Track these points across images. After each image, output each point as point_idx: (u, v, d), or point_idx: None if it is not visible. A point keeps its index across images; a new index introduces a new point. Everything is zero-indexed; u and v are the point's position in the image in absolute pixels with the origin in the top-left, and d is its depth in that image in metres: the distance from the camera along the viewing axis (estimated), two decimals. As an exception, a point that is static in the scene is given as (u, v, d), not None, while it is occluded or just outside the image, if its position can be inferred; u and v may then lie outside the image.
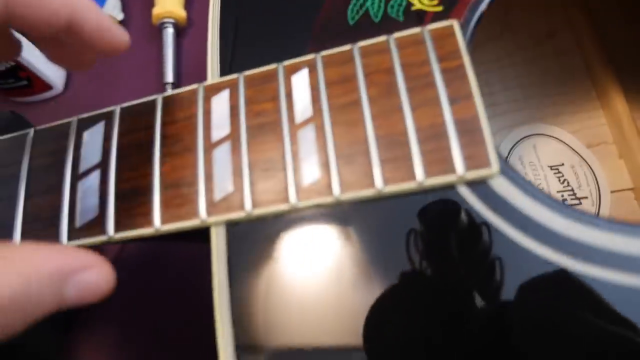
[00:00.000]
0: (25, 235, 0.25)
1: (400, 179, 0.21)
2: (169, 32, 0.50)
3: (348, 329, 0.21)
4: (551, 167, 0.35)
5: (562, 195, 0.35)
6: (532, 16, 0.39)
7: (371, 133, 0.22)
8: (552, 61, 0.38)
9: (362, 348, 0.20)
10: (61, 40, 0.23)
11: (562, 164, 0.35)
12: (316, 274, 0.22)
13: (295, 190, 0.22)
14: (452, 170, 0.21)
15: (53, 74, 0.51)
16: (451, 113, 0.22)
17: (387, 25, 0.25)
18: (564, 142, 0.36)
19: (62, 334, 0.40)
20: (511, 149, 0.35)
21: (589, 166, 0.35)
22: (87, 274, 0.18)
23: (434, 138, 0.22)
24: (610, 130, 0.36)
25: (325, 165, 0.22)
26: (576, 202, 0.34)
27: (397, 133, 0.22)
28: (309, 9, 0.26)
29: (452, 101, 0.22)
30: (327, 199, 0.22)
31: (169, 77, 0.48)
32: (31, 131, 0.28)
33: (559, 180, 0.35)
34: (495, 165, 0.21)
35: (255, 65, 0.26)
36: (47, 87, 0.51)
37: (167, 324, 0.39)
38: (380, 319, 0.21)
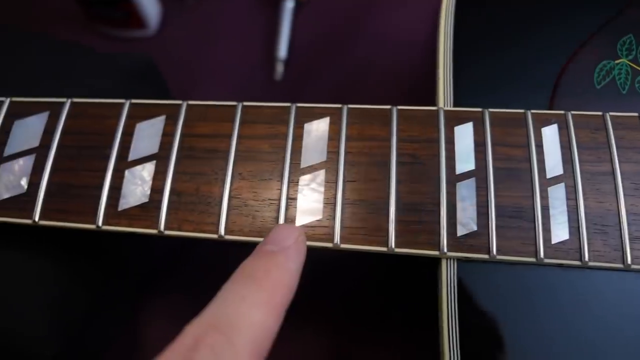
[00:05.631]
0: None
1: (653, 261, 0.22)
2: (289, 5, 0.47)
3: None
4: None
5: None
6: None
7: (624, 208, 0.23)
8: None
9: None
10: None
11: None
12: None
13: (544, 247, 0.23)
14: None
15: (151, 12, 0.48)
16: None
17: (635, 100, 0.25)
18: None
19: (132, 301, 0.38)
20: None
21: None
22: None
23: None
24: None
25: (576, 229, 0.23)
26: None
27: (650, 215, 0.23)
28: (556, 57, 0.26)
29: None
30: (574, 262, 0.23)
31: (283, 52, 0.46)
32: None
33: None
34: None
35: (487, 100, 0.26)
36: (142, 25, 0.48)
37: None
38: None
